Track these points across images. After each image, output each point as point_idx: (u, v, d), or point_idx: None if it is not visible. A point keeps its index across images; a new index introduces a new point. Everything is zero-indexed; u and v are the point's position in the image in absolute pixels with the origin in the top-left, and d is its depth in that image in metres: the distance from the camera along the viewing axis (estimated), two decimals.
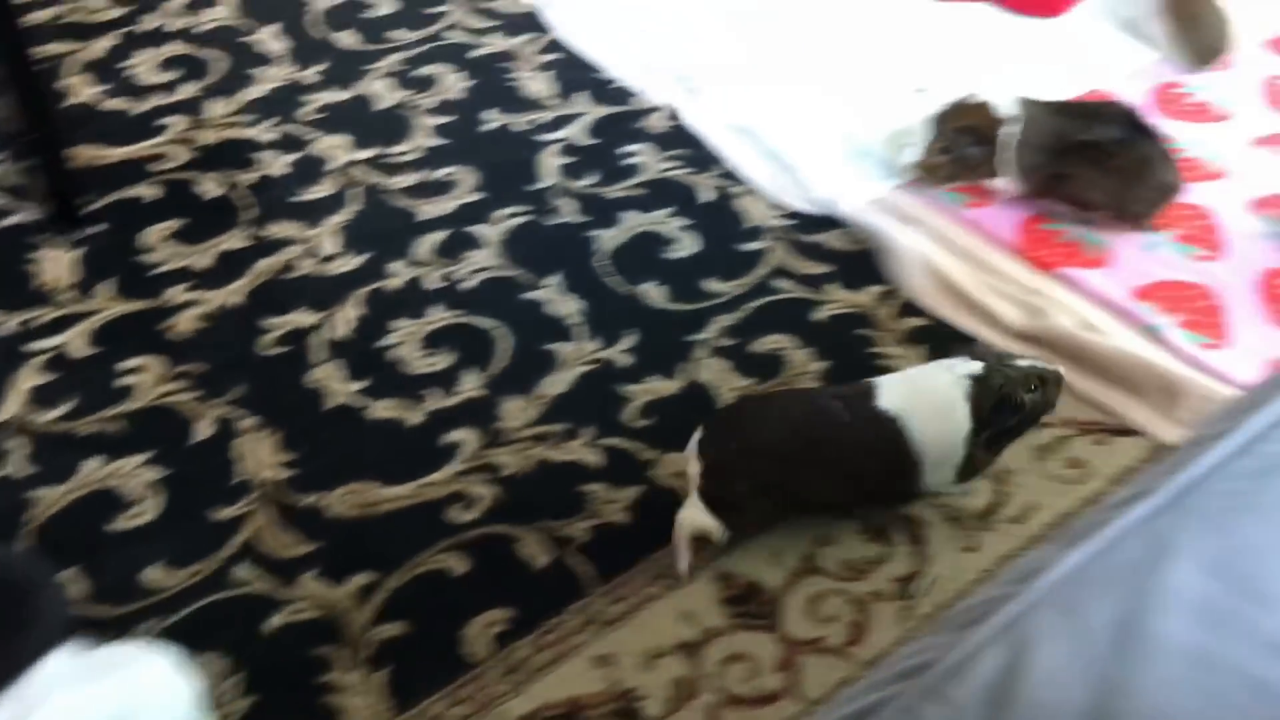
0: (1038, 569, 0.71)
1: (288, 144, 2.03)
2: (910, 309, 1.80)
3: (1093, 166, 1.77)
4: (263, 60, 2.21)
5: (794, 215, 1.94)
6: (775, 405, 1.51)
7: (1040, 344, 1.70)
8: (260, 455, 1.57)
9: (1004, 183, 1.83)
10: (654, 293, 1.81)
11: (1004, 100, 1.79)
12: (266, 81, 2.15)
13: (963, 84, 2.12)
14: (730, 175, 2.01)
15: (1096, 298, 1.76)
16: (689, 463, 1.43)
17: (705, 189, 1.99)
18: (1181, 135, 2.04)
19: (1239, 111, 2.10)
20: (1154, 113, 2.09)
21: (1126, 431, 1.62)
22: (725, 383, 1.68)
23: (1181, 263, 1.81)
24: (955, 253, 1.84)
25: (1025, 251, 1.83)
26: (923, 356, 1.72)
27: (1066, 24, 2.30)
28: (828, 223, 1.93)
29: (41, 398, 1.62)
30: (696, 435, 1.43)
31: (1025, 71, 2.16)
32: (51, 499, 1.50)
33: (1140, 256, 1.82)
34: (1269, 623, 0.63)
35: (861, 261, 1.87)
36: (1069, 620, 0.66)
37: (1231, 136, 2.05)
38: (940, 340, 1.74)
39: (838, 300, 1.81)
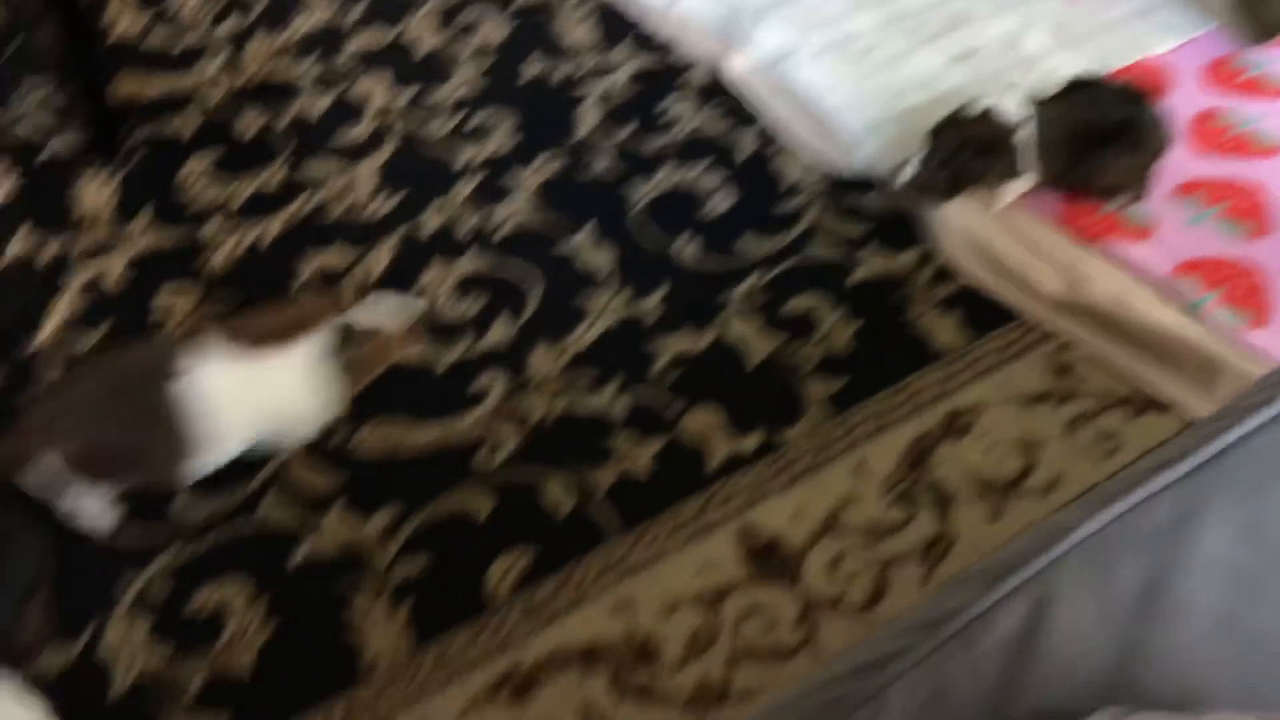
0: (1067, 528, 0.70)
1: (327, 84, 2.02)
2: (947, 275, 1.78)
3: (1118, 153, 1.74)
4: None
5: (833, 175, 1.92)
6: None
7: (1078, 314, 1.68)
8: None
9: (1022, 185, 1.80)
10: (687, 248, 1.80)
11: (1009, 105, 1.75)
12: (308, 21, 2.14)
13: (1011, 51, 2.09)
14: (770, 132, 1.99)
15: (1138, 271, 1.73)
16: None
17: (744, 145, 1.97)
18: (1234, 111, 2.00)
19: None
20: (1205, 86, 2.05)
21: (1160, 407, 1.60)
22: (754, 341, 1.68)
23: (1228, 239, 1.78)
24: (997, 219, 1.82)
25: (1068, 222, 1.81)
26: (957, 323, 1.70)
27: None
28: (867, 184, 1.91)
29: (77, 324, 1.64)
30: None
31: (1072, 42, 2.12)
32: None
33: (1184, 231, 1.79)
34: None
35: (900, 225, 1.85)
36: (1095, 579, 0.66)
37: None
38: (975, 308, 1.73)
39: (874, 263, 1.79)
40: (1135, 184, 1.80)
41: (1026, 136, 1.75)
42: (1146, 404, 1.61)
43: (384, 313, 1.49)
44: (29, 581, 1.26)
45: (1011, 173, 1.78)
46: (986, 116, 1.76)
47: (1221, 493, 0.69)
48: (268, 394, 1.40)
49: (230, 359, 1.37)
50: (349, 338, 1.45)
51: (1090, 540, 0.68)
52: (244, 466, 1.47)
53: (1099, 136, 1.76)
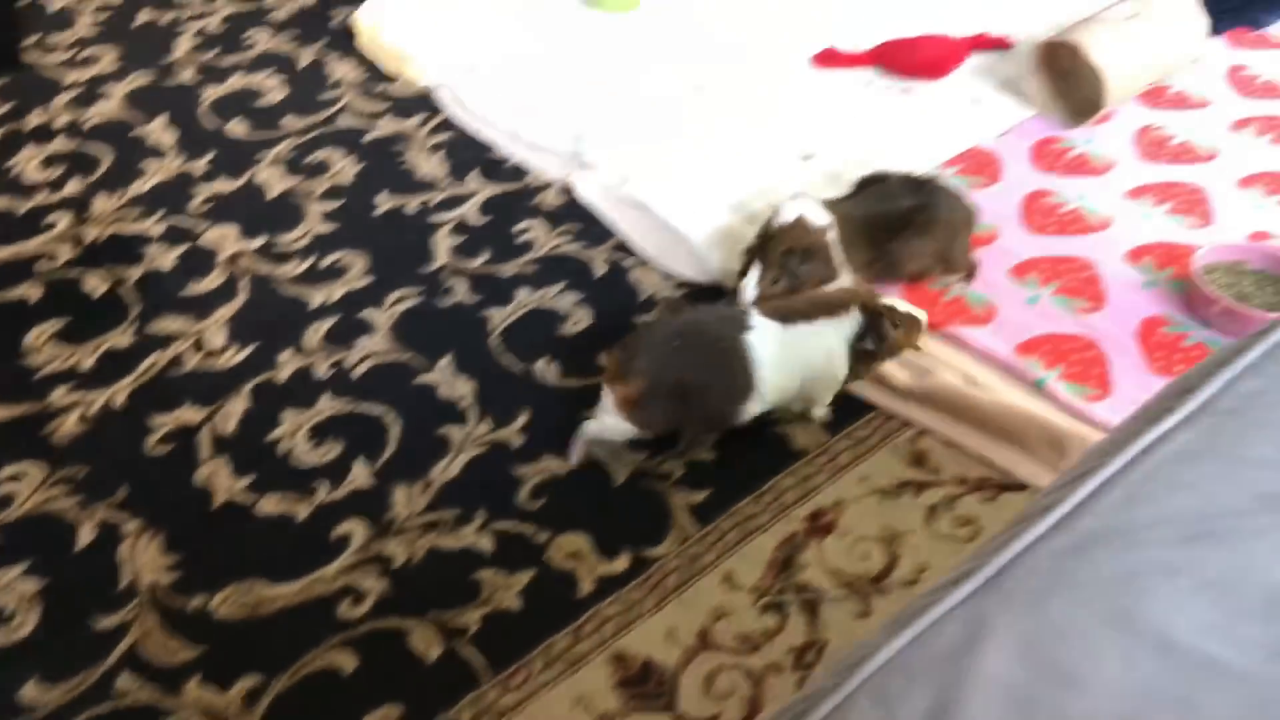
0: (861, 658, 0.71)
1: (176, 236, 2.01)
2: None
3: (909, 239, 1.82)
4: (151, 153, 2.20)
5: (686, 285, 1.96)
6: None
7: (928, 402, 1.72)
8: (144, 559, 1.53)
9: (846, 280, 1.86)
10: (547, 370, 1.81)
11: (813, 210, 1.81)
12: (155, 174, 2.14)
13: (847, 150, 2.17)
14: (623, 248, 2.03)
15: (982, 354, 1.79)
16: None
17: (598, 263, 2.00)
18: (1063, 189, 2.09)
19: (1117, 164, 2.16)
20: (1035, 167, 2.15)
21: (1015, 487, 1.64)
22: (621, 459, 1.68)
23: (1064, 315, 1.84)
24: None
25: None
26: (814, 422, 1.73)
27: (948, 86, 2.36)
28: (719, 292, 1.95)
29: None
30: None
31: (905, 137, 2.22)
32: None
33: (1023, 311, 1.85)
34: (1076, 707, 0.63)
35: None
36: (881, 712, 0.66)
37: (1110, 188, 2.10)
38: (830, 405, 1.76)
39: None
40: (945, 265, 1.87)
41: (834, 236, 1.81)
42: (1002, 485, 1.64)
43: (912, 307, 1.69)
44: None
45: (831, 273, 1.83)
46: (799, 224, 1.80)
47: (1004, 610, 0.70)
48: (803, 358, 1.64)
49: (778, 325, 1.63)
50: (892, 319, 1.65)
51: (880, 670, 0.69)
52: (96, 642, 1.43)
53: (889, 226, 1.84)
